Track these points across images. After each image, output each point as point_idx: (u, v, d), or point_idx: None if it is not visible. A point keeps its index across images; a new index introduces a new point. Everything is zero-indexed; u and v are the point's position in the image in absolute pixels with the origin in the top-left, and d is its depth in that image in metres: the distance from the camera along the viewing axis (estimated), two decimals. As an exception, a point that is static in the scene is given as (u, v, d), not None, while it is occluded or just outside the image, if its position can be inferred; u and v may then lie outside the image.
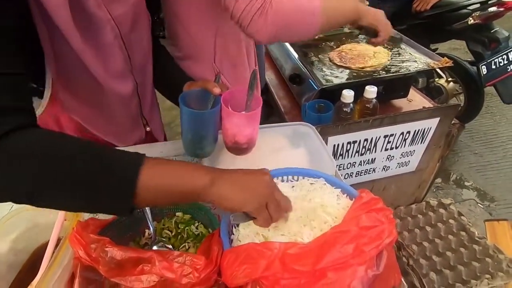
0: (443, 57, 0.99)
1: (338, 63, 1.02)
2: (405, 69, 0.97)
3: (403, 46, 1.10)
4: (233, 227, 0.48)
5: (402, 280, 0.45)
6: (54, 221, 0.47)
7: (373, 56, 1.03)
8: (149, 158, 0.37)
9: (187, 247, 0.51)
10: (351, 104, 0.90)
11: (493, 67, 1.64)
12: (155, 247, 0.51)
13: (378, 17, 0.72)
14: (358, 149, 0.99)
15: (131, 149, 0.42)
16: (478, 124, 2.14)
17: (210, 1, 0.67)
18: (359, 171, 1.08)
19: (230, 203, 0.39)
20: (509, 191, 1.71)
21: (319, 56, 1.09)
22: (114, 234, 0.47)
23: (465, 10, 1.68)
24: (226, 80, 0.81)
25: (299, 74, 1.08)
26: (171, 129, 2.28)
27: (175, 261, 0.39)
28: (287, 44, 1.20)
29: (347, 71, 1.00)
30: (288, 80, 1.14)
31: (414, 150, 1.08)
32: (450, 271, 0.84)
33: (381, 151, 1.03)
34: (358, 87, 0.89)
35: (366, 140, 0.97)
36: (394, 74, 0.95)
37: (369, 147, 1.00)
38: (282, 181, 0.55)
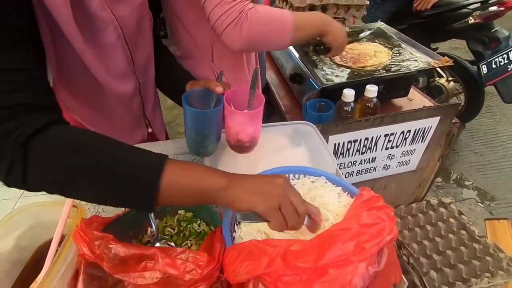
0: (444, 56, 0.99)
1: (338, 63, 1.03)
2: (405, 68, 0.97)
3: (403, 45, 1.11)
4: (235, 225, 0.49)
5: (403, 277, 0.45)
6: (57, 219, 0.48)
7: (373, 56, 1.03)
8: (171, 160, 0.39)
9: (189, 244, 0.52)
10: (352, 103, 0.90)
11: (494, 66, 1.64)
12: (157, 245, 0.51)
13: (336, 37, 0.75)
14: (358, 148, 1.00)
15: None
16: (478, 124, 2.15)
17: None
18: (359, 170, 1.08)
19: (241, 204, 0.39)
20: (510, 190, 1.71)
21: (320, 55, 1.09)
22: (117, 231, 0.47)
23: (465, 10, 1.68)
24: (225, 79, 0.81)
25: (300, 74, 1.09)
26: (171, 128, 2.28)
27: (178, 258, 0.39)
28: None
29: (348, 70, 1.00)
30: (289, 79, 1.15)
31: (414, 149, 1.09)
32: (450, 270, 0.84)
33: (381, 150, 1.04)
34: (358, 86, 0.90)
35: (366, 139, 0.98)
36: (395, 73, 0.95)
37: (370, 146, 1.00)
38: (284, 179, 0.56)
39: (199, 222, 0.55)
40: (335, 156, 0.98)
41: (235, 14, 0.59)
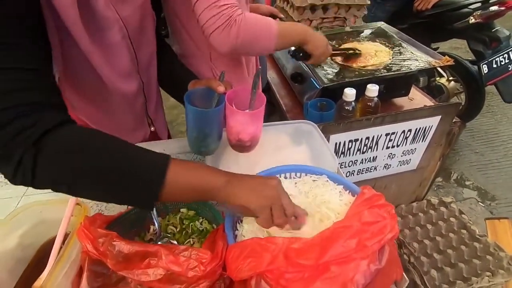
0: (444, 56, 0.99)
1: (340, 62, 1.03)
2: (406, 67, 0.97)
3: (404, 45, 1.11)
4: (237, 223, 0.49)
5: (404, 274, 0.45)
6: (61, 217, 0.48)
7: (374, 55, 1.04)
8: (174, 159, 0.41)
9: (191, 242, 0.52)
10: (353, 103, 0.90)
11: (494, 66, 1.64)
12: (160, 243, 0.51)
13: (318, 47, 0.80)
14: (359, 147, 1.00)
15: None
16: (479, 123, 2.15)
17: None
18: (360, 169, 1.08)
19: (237, 200, 0.42)
20: (510, 190, 1.71)
21: (321, 55, 1.09)
22: (120, 229, 0.47)
23: (466, 9, 1.68)
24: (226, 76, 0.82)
25: (301, 73, 1.09)
26: (173, 127, 2.29)
27: (181, 255, 0.39)
28: (289, 44, 1.21)
29: (349, 69, 1.00)
30: (290, 79, 1.15)
31: (415, 148, 1.09)
32: (451, 269, 0.84)
33: (382, 149, 1.04)
34: (359, 86, 0.90)
35: (367, 138, 0.98)
36: (396, 72, 0.95)
37: (371, 145, 1.01)
38: (285, 177, 0.56)
39: (201, 220, 0.55)
40: (336, 155, 0.98)
41: (224, 19, 0.62)
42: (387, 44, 1.12)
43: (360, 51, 1.03)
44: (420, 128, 1.02)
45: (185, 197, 0.43)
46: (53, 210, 0.50)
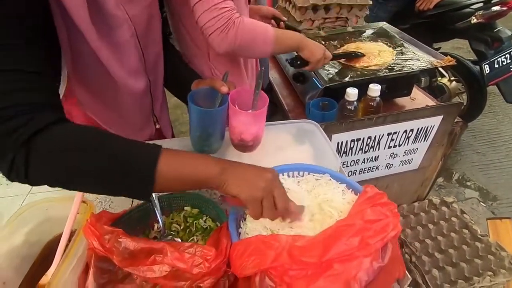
0: (446, 56, 0.99)
1: (343, 62, 1.03)
2: (408, 67, 0.97)
3: (406, 45, 1.11)
4: (241, 221, 0.50)
5: (406, 272, 0.46)
6: (66, 214, 0.49)
7: (378, 55, 1.04)
8: (165, 149, 0.41)
9: (195, 240, 0.53)
10: (355, 102, 0.91)
11: (496, 66, 1.64)
12: (164, 241, 0.52)
13: (314, 53, 0.82)
14: (361, 147, 1.00)
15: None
16: (480, 123, 2.14)
17: None
18: (362, 169, 1.09)
19: (229, 188, 0.41)
20: (512, 190, 1.71)
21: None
22: (125, 227, 0.48)
23: (468, 9, 1.68)
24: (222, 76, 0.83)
25: (303, 73, 1.09)
26: (175, 127, 2.28)
27: (186, 252, 0.40)
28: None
29: (351, 69, 1.00)
30: (292, 78, 1.15)
31: (417, 148, 1.09)
32: (452, 268, 0.84)
33: (384, 148, 1.04)
34: (361, 86, 0.90)
35: (369, 137, 0.98)
36: (398, 72, 0.96)
37: (373, 144, 1.01)
38: (288, 176, 0.56)
39: (205, 218, 0.55)
40: (338, 154, 0.98)
41: (223, 21, 0.64)
42: (389, 44, 1.12)
43: (361, 53, 1.03)
44: (422, 127, 1.02)
45: (180, 186, 0.43)
46: (59, 208, 0.51)
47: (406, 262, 0.87)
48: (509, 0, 1.58)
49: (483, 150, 1.97)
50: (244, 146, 0.66)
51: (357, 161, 1.05)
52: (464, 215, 0.99)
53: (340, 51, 1.09)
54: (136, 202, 0.66)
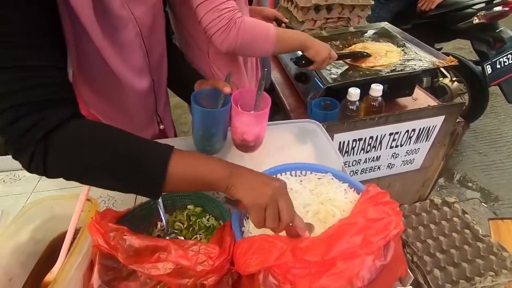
0: (448, 56, 0.99)
1: (349, 62, 1.03)
2: (410, 67, 0.97)
3: (408, 45, 1.11)
4: (244, 220, 0.50)
5: (408, 271, 0.46)
6: (71, 212, 0.49)
7: (384, 55, 1.04)
8: (177, 150, 0.42)
9: (198, 238, 0.53)
10: (357, 102, 0.91)
11: (498, 66, 1.64)
12: (167, 239, 0.52)
13: (319, 53, 0.82)
14: (363, 147, 1.01)
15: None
16: (482, 124, 2.14)
17: None
18: (364, 169, 1.09)
19: (234, 192, 0.42)
20: (514, 191, 1.71)
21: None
22: (128, 225, 0.48)
23: (470, 10, 1.68)
24: (221, 74, 0.85)
25: (305, 73, 1.10)
26: (176, 127, 2.30)
27: (190, 250, 0.40)
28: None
29: (353, 69, 1.01)
30: (294, 78, 1.16)
31: (418, 148, 1.09)
32: (454, 268, 0.84)
33: (386, 148, 1.04)
34: (363, 85, 0.91)
35: (371, 137, 0.99)
36: (400, 72, 0.96)
37: (374, 144, 1.01)
38: (291, 175, 0.57)
39: (208, 216, 0.56)
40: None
41: (225, 22, 0.66)
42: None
43: (367, 53, 1.03)
44: (423, 128, 1.02)
45: (189, 187, 0.44)
46: (64, 206, 0.51)
47: (408, 262, 0.87)
48: (511, 0, 1.58)
49: (484, 151, 1.97)
50: (246, 147, 0.66)
51: (359, 161, 1.05)
52: (466, 215, 0.99)
53: (347, 51, 1.09)
54: (140, 200, 0.66)
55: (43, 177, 0.73)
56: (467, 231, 0.94)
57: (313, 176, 0.56)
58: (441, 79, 1.92)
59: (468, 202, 1.67)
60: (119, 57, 0.56)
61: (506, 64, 1.63)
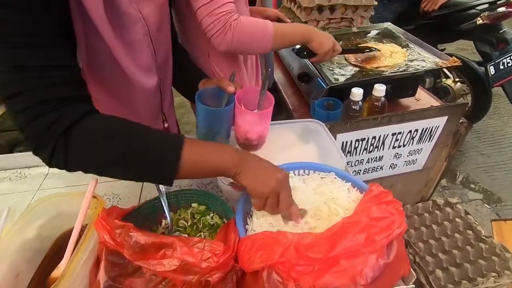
0: (451, 57, 0.99)
1: (353, 63, 1.04)
2: (413, 68, 0.97)
3: (411, 45, 1.11)
4: (247, 218, 0.50)
5: (411, 270, 0.46)
6: (77, 210, 0.50)
7: (390, 56, 1.04)
8: (188, 138, 0.44)
9: (202, 236, 0.54)
10: (360, 102, 0.91)
11: (501, 67, 1.63)
12: (172, 236, 0.53)
13: (323, 44, 0.83)
14: (366, 147, 1.01)
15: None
16: (485, 125, 2.13)
17: None
18: (366, 169, 1.09)
19: (240, 179, 0.45)
20: (517, 192, 1.70)
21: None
22: (133, 223, 0.49)
23: (473, 10, 1.68)
24: (221, 73, 0.86)
25: (308, 73, 1.10)
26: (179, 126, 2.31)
27: (195, 247, 0.41)
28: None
29: (356, 69, 1.01)
30: (297, 78, 1.16)
31: (421, 149, 1.09)
32: (456, 269, 0.84)
33: (388, 149, 1.04)
34: (366, 86, 0.91)
35: (374, 137, 0.99)
36: (403, 73, 0.96)
37: (377, 144, 1.01)
38: (294, 174, 0.57)
39: (212, 214, 0.56)
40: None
41: (221, 24, 0.69)
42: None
43: (375, 49, 1.03)
44: (426, 128, 1.02)
45: (200, 174, 0.47)
46: (70, 203, 0.52)
47: (410, 262, 0.87)
48: (515, 1, 1.58)
49: (487, 152, 1.96)
50: (249, 145, 0.67)
51: (362, 161, 1.05)
52: (468, 216, 0.99)
53: (354, 47, 1.09)
54: (144, 198, 0.67)
55: (49, 175, 0.75)
56: (470, 231, 0.94)
57: (316, 175, 0.56)
58: (444, 79, 1.92)
59: (471, 203, 1.66)
60: (128, 56, 0.57)
61: (509, 65, 1.62)
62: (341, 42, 1.18)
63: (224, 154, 0.45)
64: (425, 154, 1.12)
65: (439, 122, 1.01)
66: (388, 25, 1.29)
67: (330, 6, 1.28)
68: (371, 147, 1.01)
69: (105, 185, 0.70)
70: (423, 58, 1.02)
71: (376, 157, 1.06)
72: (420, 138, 1.05)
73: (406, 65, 1.00)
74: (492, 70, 1.65)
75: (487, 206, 1.64)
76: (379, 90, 0.90)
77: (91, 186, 0.51)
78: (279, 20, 1.06)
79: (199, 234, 0.54)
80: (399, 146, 1.05)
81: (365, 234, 0.41)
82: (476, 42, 1.78)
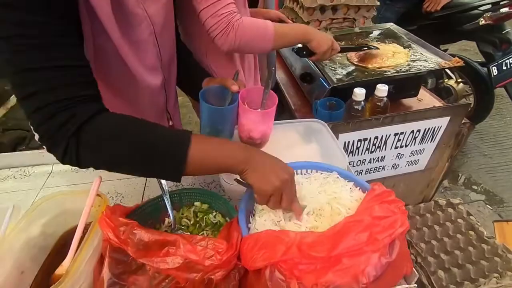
0: (454, 57, 0.99)
1: (355, 63, 1.04)
2: (416, 68, 0.97)
3: (413, 45, 1.11)
4: (250, 217, 0.51)
5: (414, 269, 0.46)
6: (81, 207, 0.50)
7: (392, 56, 1.04)
8: (195, 135, 0.45)
9: (205, 234, 0.54)
10: (362, 102, 0.91)
11: (504, 68, 1.62)
12: (175, 235, 0.53)
13: (321, 44, 0.85)
14: (368, 147, 1.01)
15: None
16: (487, 126, 2.13)
17: None
18: (368, 169, 1.09)
19: (246, 176, 0.46)
20: (519, 193, 1.69)
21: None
22: (137, 220, 0.49)
23: (476, 11, 1.67)
24: (218, 73, 0.88)
25: (310, 73, 1.10)
26: (180, 126, 2.31)
27: (199, 245, 0.41)
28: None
29: (359, 69, 1.01)
30: (299, 78, 1.16)
31: (423, 149, 1.09)
32: (458, 270, 0.84)
33: (391, 149, 1.04)
34: (369, 86, 0.91)
35: (376, 137, 0.99)
36: (405, 73, 0.96)
37: (379, 144, 1.01)
38: (297, 173, 0.57)
39: (214, 213, 0.57)
40: (344, 154, 0.99)
41: (223, 25, 0.71)
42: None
43: (374, 47, 1.03)
44: (429, 128, 1.02)
45: (207, 170, 0.48)
46: (74, 201, 0.52)
47: (412, 263, 0.87)
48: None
49: (490, 153, 1.96)
50: (252, 144, 0.67)
51: (364, 161, 1.05)
52: (471, 216, 0.99)
53: (353, 45, 1.10)
54: (147, 197, 0.68)
55: (53, 173, 0.75)
56: (472, 232, 0.94)
57: (319, 175, 0.56)
58: (446, 80, 1.91)
59: (473, 204, 1.66)
60: (135, 55, 0.57)
61: (512, 65, 1.62)
62: (343, 42, 1.19)
63: (233, 150, 0.46)
64: (427, 155, 1.11)
65: (442, 122, 1.01)
66: (391, 25, 1.29)
67: (333, 6, 1.28)
68: (373, 147, 1.01)
69: (108, 183, 0.70)
70: (425, 59, 1.02)
71: (378, 157, 1.06)
72: (422, 139, 1.05)
73: (409, 65, 1.00)
74: (494, 71, 1.64)
75: (489, 207, 1.64)
76: (382, 90, 0.90)
77: (95, 184, 0.51)
78: (280, 21, 1.07)
79: (202, 232, 0.54)
80: (401, 147, 1.05)
81: (367, 233, 0.41)
82: (479, 43, 1.77)
